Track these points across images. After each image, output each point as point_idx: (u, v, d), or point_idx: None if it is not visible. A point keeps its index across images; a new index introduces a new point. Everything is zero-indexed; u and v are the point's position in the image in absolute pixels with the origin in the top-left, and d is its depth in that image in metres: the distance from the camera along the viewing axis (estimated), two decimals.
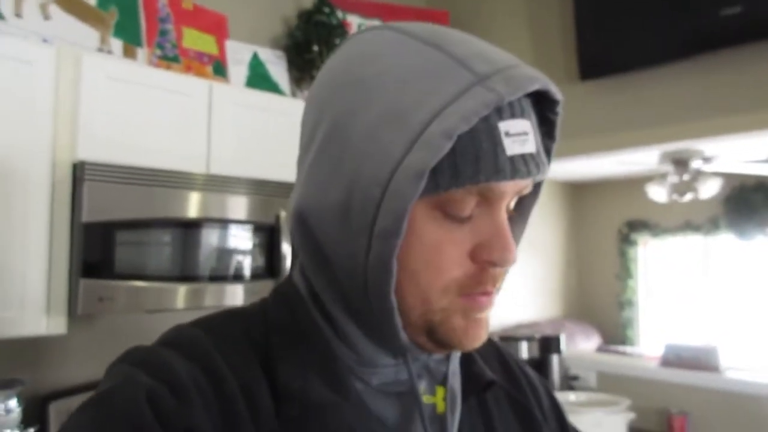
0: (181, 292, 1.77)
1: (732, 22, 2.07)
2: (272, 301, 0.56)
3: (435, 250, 0.46)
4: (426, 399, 0.53)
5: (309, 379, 0.48)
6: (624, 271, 5.52)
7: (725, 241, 4.88)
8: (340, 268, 0.48)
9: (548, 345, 2.51)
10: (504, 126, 0.44)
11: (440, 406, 0.54)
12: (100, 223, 1.64)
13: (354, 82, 0.47)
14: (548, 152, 0.53)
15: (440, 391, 0.54)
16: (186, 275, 1.79)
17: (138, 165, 1.73)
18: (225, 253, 1.89)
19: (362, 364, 0.51)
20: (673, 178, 3.96)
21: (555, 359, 2.49)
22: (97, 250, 1.64)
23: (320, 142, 0.49)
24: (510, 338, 2.69)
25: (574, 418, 2.08)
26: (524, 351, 2.62)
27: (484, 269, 0.47)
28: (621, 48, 2.45)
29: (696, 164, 3.86)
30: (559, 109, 0.51)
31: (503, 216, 0.48)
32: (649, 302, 5.45)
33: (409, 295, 0.47)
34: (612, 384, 2.53)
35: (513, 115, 0.45)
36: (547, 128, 0.52)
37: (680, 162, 3.89)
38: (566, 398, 2.26)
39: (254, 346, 0.50)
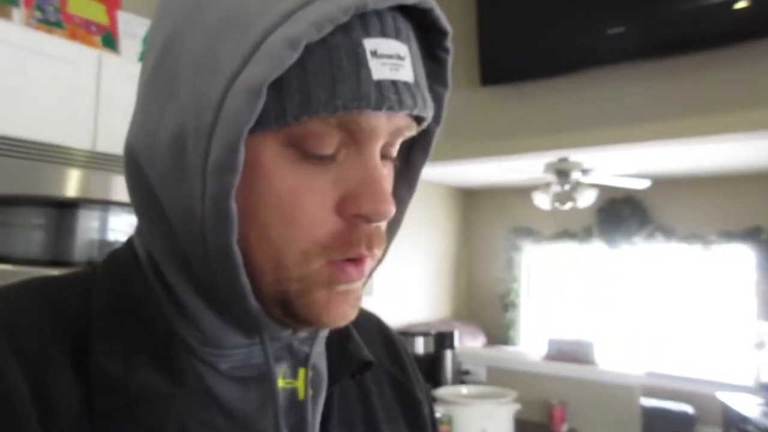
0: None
1: (616, 40, 2.25)
2: (102, 268, 0.45)
3: (290, 199, 0.37)
4: (285, 384, 0.45)
5: (133, 362, 0.39)
6: (508, 274, 5.84)
7: (597, 248, 5.31)
8: (176, 220, 0.39)
9: (443, 341, 2.58)
10: (370, 44, 0.36)
11: (302, 391, 0.45)
12: None
13: None
14: (439, 100, 0.45)
15: (303, 374, 0.45)
16: (59, 260, 1.63)
17: (11, 135, 1.54)
18: (105, 238, 1.74)
19: (207, 344, 0.41)
20: (556, 188, 4.27)
21: (449, 354, 2.56)
22: None
23: (152, 66, 0.41)
24: (406, 333, 2.73)
25: (465, 410, 2.16)
26: (420, 346, 2.68)
27: (354, 226, 0.39)
28: (520, 57, 2.59)
29: (576, 175, 4.19)
30: (449, 44, 0.44)
31: (375, 160, 0.39)
32: (530, 304, 5.80)
33: (261, 256, 0.38)
34: (500, 378, 2.65)
35: (384, 34, 0.37)
36: (436, 70, 0.44)
37: (562, 172, 4.20)
38: (459, 391, 2.33)
39: (65, 322, 0.40)
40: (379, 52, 0.37)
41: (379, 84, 0.36)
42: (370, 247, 0.39)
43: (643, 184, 4.20)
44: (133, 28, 2.14)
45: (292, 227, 0.37)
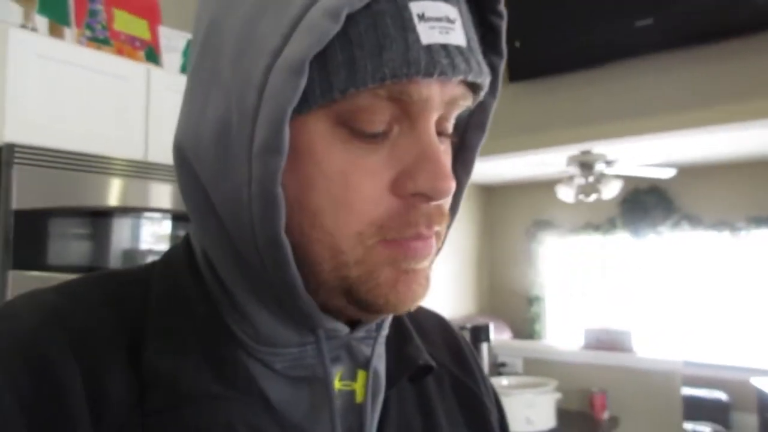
0: None
1: (645, 32, 2.28)
2: (160, 265, 0.44)
3: (341, 181, 0.35)
4: (342, 386, 0.42)
5: (186, 361, 0.38)
6: (532, 269, 5.85)
7: (622, 239, 5.31)
8: (225, 212, 0.38)
9: (478, 334, 2.62)
10: (417, 7, 0.34)
11: (360, 394, 0.42)
12: (33, 211, 1.52)
13: None
14: (494, 71, 0.42)
15: (362, 376, 0.43)
16: (95, 266, 1.70)
17: (71, 149, 1.62)
18: (139, 247, 1.82)
19: (260, 342, 0.40)
20: (580, 180, 4.28)
21: (485, 347, 2.61)
22: (29, 240, 1.51)
23: (195, 57, 0.39)
24: None
25: (507, 400, 2.20)
26: None
27: (413, 206, 0.36)
28: (548, 52, 2.62)
29: (599, 167, 4.20)
30: (502, 8, 0.41)
31: (430, 134, 0.36)
32: (554, 298, 5.81)
33: (316, 245, 0.36)
34: (537, 369, 2.68)
35: None
36: (490, 38, 0.42)
37: (585, 165, 4.22)
38: (499, 383, 2.38)
39: (123, 319, 0.39)
40: (427, 15, 0.34)
41: (429, 48, 0.33)
42: (429, 226, 0.37)
43: (668, 174, 4.20)
44: (172, 42, 2.22)
45: (344, 211, 0.35)
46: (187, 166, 0.40)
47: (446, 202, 0.39)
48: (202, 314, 0.40)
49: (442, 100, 0.36)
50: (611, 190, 4.25)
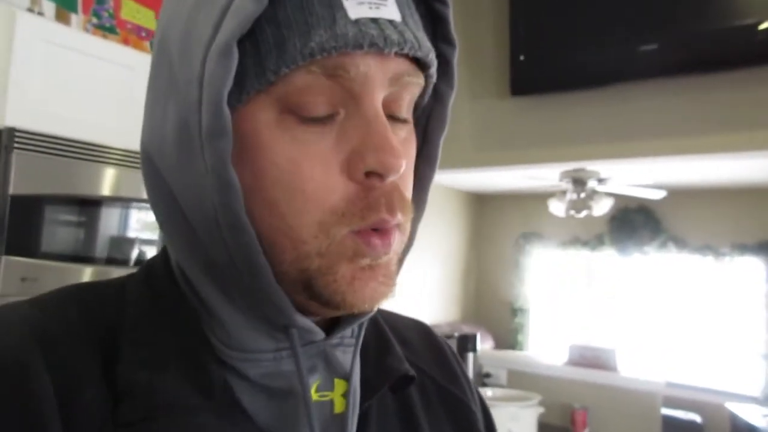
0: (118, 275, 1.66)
1: (648, 57, 2.31)
2: (137, 275, 0.44)
3: (291, 169, 0.35)
4: (319, 396, 0.41)
5: (160, 372, 0.37)
6: (518, 279, 5.89)
7: (608, 256, 5.36)
8: (189, 206, 0.37)
9: (465, 343, 2.63)
10: None
11: (338, 405, 0.42)
12: (29, 197, 1.50)
13: None
14: (447, 60, 0.42)
15: (340, 386, 0.42)
16: (124, 259, 1.69)
17: (71, 137, 1.61)
18: (127, 235, 1.80)
19: (232, 346, 0.39)
20: (572, 195, 4.32)
21: (471, 357, 2.62)
22: (23, 226, 1.50)
23: (152, 68, 0.40)
24: None
25: (491, 412, 2.22)
26: None
27: (369, 187, 0.36)
28: (551, 69, 2.64)
29: (592, 184, 4.24)
30: None
31: (375, 109, 0.36)
32: (539, 310, 5.85)
33: (277, 235, 0.36)
34: (521, 381, 2.70)
35: None
36: (440, 28, 0.42)
37: (578, 181, 4.26)
38: (484, 393, 2.39)
39: (98, 330, 0.38)
40: None
41: (357, 22, 0.34)
42: (391, 209, 0.36)
43: (659, 195, 4.25)
44: None
45: (300, 199, 0.35)
46: (153, 170, 0.40)
47: (406, 188, 0.39)
48: (178, 324, 0.39)
49: (385, 75, 0.36)
50: (602, 208, 4.30)
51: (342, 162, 0.36)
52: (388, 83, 0.36)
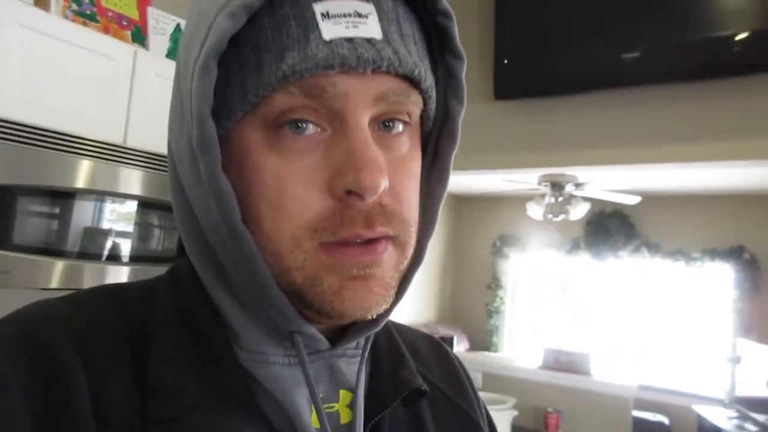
0: (90, 270, 1.62)
1: (630, 65, 2.34)
2: (165, 278, 0.46)
3: (275, 185, 0.36)
4: (325, 408, 0.42)
5: (187, 373, 0.38)
6: (494, 281, 5.93)
7: (583, 260, 5.44)
8: (200, 216, 0.40)
9: None
10: (321, 7, 0.35)
11: (344, 415, 0.43)
12: (1, 187, 1.45)
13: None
14: (454, 73, 0.42)
15: (344, 397, 0.43)
16: (97, 253, 1.65)
17: (49, 127, 1.56)
18: (144, 232, 1.77)
19: (246, 350, 0.41)
20: (549, 199, 4.37)
21: None
22: None
23: (176, 73, 0.43)
24: None
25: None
26: None
27: (348, 205, 0.36)
28: (534, 74, 2.66)
29: (569, 188, 4.29)
30: (445, 6, 0.40)
31: (357, 128, 0.36)
32: (514, 312, 5.90)
33: (264, 251, 0.37)
34: (495, 383, 2.72)
35: None
36: (445, 41, 0.42)
37: (556, 185, 4.31)
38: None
39: (129, 331, 0.40)
40: (332, 12, 0.35)
41: (331, 42, 0.34)
42: (369, 224, 0.36)
43: (634, 200, 4.32)
44: (161, 24, 2.16)
45: (279, 215, 0.36)
46: (175, 174, 0.42)
47: (402, 202, 0.39)
48: (202, 328, 0.41)
49: (367, 95, 0.36)
50: (579, 212, 4.35)
51: (326, 179, 0.36)
52: (372, 102, 0.36)
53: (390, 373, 0.46)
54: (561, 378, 2.66)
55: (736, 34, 2.41)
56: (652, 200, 4.83)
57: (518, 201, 4.79)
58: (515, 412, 2.33)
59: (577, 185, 4.35)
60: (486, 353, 4.84)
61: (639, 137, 2.72)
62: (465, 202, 6.25)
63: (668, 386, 4.74)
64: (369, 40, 0.35)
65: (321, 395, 0.42)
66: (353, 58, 0.34)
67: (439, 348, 0.58)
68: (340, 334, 0.43)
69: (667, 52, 2.36)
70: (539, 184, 4.31)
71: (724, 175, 3.98)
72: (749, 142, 2.46)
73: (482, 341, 5.85)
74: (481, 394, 2.07)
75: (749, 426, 3.58)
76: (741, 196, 4.59)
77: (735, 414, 4.09)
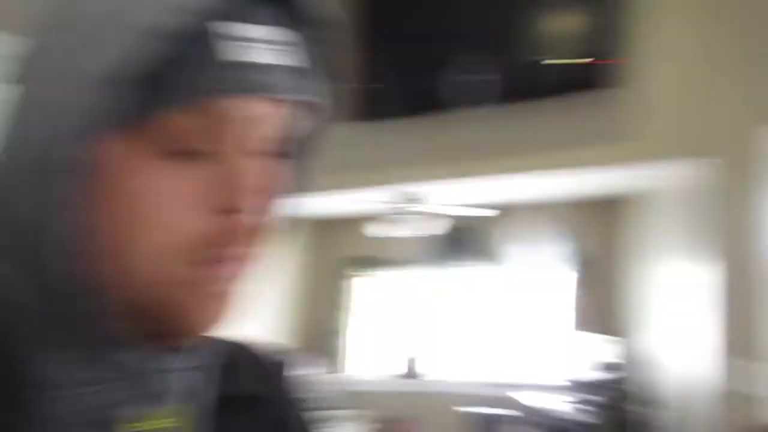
0: None
1: (473, 87, 2.52)
2: None
3: (140, 203, 0.35)
4: (156, 425, 0.39)
5: None
6: (343, 301, 5.92)
7: (434, 273, 5.64)
8: None
9: (292, 367, 2.54)
10: (222, 29, 0.35)
11: (186, 430, 0.41)
12: None
13: None
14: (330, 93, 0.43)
15: (174, 412, 0.41)
16: None
17: None
18: None
19: (47, 384, 0.36)
20: (397, 217, 4.47)
21: (299, 381, 2.53)
22: None
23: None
24: None
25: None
26: None
27: (233, 221, 0.36)
28: (389, 95, 2.76)
29: (417, 205, 4.43)
30: (328, 35, 0.41)
31: (240, 148, 0.37)
32: (363, 330, 5.93)
33: (110, 260, 0.35)
34: (349, 401, 2.67)
35: (244, 20, 0.35)
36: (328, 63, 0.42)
37: (406, 202, 4.42)
38: (313, 417, 2.32)
39: None
40: (235, 35, 0.35)
41: (232, 66, 0.34)
42: (236, 245, 0.37)
43: (483, 213, 4.53)
44: None
45: (145, 232, 0.35)
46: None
47: (262, 220, 0.38)
48: (6, 352, 0.37)
49: (265, 117, 0.37)
50: (428, 228, 4.51)
51: (204, 199, 0.36)
52: (272, 125, 0.37)
53: (222, 383, 0.45)
54: (407, 385, 2.70)
55: (543, 59, 2.70)
56: (501, 212, 5.06)
57: (368, 221, 4.84)
58: (375, 425, 2.30)
59: (425, 201, 4.49)
60: (335, 374, 4.78)
61: (483, 152, 2.90)
62: (313, 224, 6.18)
63: (508, 381, 5.04)
64: (272, 66, 0.36)
65: (146, 412, 0.39)
66: (254, 85, 0.35)
67: (252, 350, 0.56)
68: (170, 348, 0.41)
69: (503, 75, 2.57)
70: (388, 202, 4.40)
71: (560, 185, 4.33)
72: (575, 153, 2.73)
73: (332, 361, 5.78)
74: (337, 413, 1.97)
75: (585, 407, 3.98)
76: (577, 204, 4.98)
77: (572, 398, 4.42)
